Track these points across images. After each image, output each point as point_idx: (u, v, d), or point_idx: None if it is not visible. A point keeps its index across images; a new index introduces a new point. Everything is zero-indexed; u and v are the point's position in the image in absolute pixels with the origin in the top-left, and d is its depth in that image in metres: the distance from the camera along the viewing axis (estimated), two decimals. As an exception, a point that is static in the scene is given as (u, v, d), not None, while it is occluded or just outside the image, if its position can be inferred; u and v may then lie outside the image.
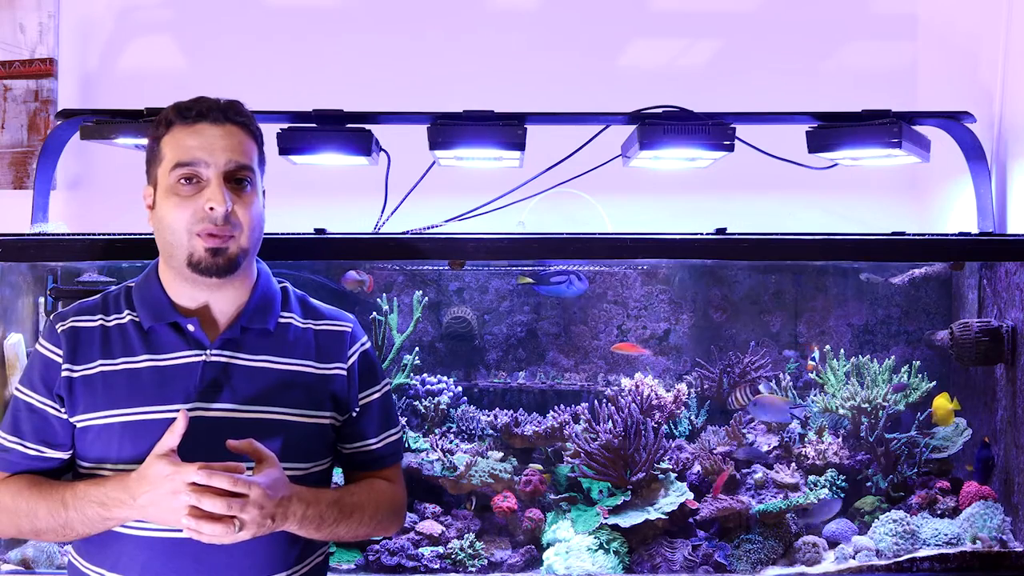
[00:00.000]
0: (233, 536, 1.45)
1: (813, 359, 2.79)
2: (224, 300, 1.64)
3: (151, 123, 1.65)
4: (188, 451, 1.50)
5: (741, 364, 2.85)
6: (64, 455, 1.62)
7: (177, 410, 1.54)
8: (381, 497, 1.73)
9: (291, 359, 1.66)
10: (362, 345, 1.75)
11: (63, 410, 1.60)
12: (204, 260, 1.57)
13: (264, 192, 1.69)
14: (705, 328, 2.94)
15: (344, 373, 1.70)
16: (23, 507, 1.57)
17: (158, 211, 1.60)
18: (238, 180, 1.59)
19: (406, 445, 2.62)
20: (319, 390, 1.67)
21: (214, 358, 1.61)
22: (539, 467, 2.63)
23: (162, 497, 1.45)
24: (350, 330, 1.74)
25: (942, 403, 2.66)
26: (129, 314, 1.65)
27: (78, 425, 1.60)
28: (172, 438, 1.48)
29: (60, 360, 1.61)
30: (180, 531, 1.47)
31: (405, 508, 1.82)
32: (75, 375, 1.60)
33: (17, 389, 1.65)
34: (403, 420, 2.73)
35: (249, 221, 1.59)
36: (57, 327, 1.64)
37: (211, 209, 1.55)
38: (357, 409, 1.72)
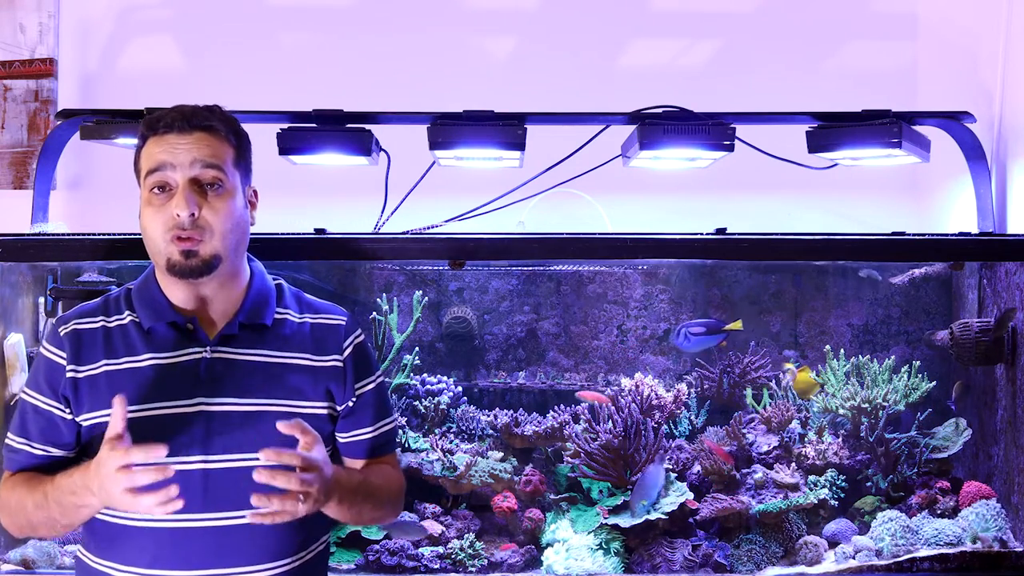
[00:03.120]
0: (298, 510, 1.50)
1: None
2: (220, 299, 1.70)
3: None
4: (193, 443, 1.59)
5: (741, 364, 2.85)
6: (70, 454, 1.67)
7: (179, 405, 1.61)
8: (392, 482, 1.81)
9: (288, 352, 1.71)
10: (356, 338, 1.80)
11: (68, 411, 1.65)
12: (179, 263, 1.62)
13: (256, 192, 1.75)
14: (705, 328, 2.94)
15: (340, 364, 1.75)
16: (15, 504, 1.64)
17: (141, 220, 1.66)
18: (207, 184, 1.63)
19: (406, 445, 2.63)
20: (316, 381, 1.72)
21: (214, 354, 1.66)
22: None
23: (105, 480, 1.47)
24: (344, 323, 1.80)
25: (804, 377, 2.76)
26: (130, 315, 1.70)
27: (84, 424, 1.64)
28: (116, 423, 1.49)
29: (64, 362, 1.66)
30: (188, 521, 1.56)
31: (404, 494, 1.88)
32: (80, 375, 1.65)
33: (23, 391, 1.70)
34: (403, 420, 2.73)
35: (220, 224, 1.63)
36: (60, 330, 1.68)
37: (178, 215, 1.61)
38: (353, 399, 1.77)
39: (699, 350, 2.85)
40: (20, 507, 1.62)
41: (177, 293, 1.68)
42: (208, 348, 1.66)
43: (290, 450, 1.51)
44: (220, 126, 1.66)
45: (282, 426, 1.54)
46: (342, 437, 1.79)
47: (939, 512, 2.49)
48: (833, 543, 2.49)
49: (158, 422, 1.60)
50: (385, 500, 1.78)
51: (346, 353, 1.76)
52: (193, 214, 1.60)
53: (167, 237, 1.61)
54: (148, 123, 1.66)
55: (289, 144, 2.35)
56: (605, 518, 2.45)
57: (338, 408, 1.76)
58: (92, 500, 1.54)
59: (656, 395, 2.73)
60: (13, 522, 1.67)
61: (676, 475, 2.57)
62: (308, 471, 1.51)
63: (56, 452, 1.66)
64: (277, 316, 1.74)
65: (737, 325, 2.79)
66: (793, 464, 2.62)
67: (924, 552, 2.36)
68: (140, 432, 1.58)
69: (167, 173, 1.62)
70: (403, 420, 2.73)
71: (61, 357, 1.66)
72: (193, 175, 1.62)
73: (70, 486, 1.56)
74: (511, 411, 2.75)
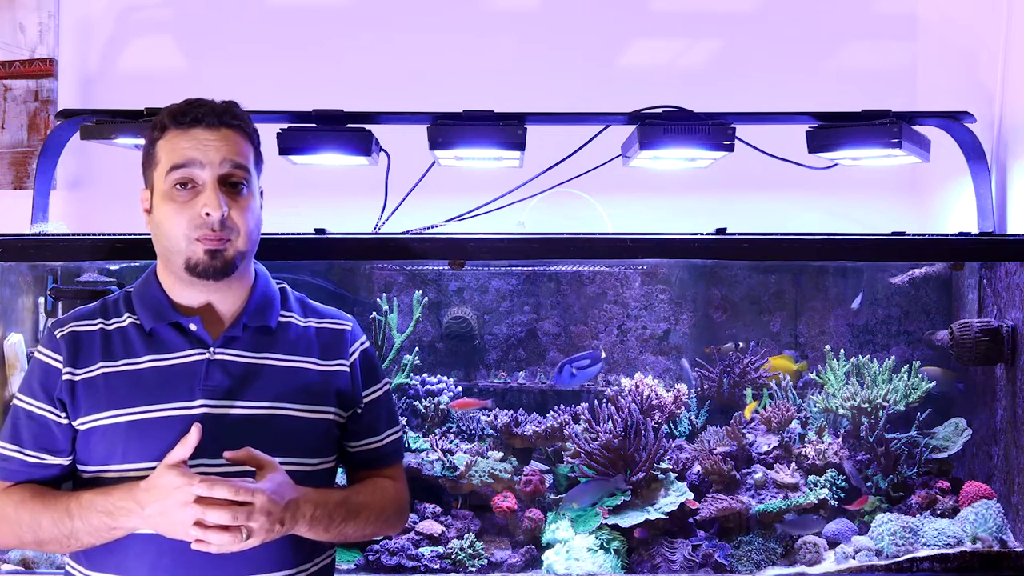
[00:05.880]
0: (242, 544, 1.46)
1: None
2: (224, 300, 1.65)
3: (148, 125, 1.66)
4: (194, 447, 1.53)
5: (741, 364, 2.85)
6: (64, 462, 1.61)
7: (181, 408, 1.56)
8: (386, 496, 1.74)
9: (294, 356, 1.67)
10: (362, 344, 1.77)
11: (64, 415, 1.60)
12: (202, 263, 1.58)
13: (262, 192, 1.70)
14: (705, 328, 2.94)
15: (347, 370, 1.71)
16: (26, 518, 1.56)
17: (155, 216, 1.61)
18: (234, 183, 1.60)
19: (406, 445, 2.63)
20: (322, 386, 1.68)
21: (218, 356, 1.62)
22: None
23: (171, 508, 1.45)
24: (350, 328, 1.76)
25: (780, 363, 2.77)
26: (129, 317, 1.65)
27: (81, 428, 1.59)
28: (184, 449, 1.48)
29: (60, 365, 1.61)
30: None
31: (409, 506, 1.83)
32: (77, 378, 1.60)
33: (16, 397, 1.64)
34: (403, 420, 2.73)
35: (245, 224, 1.60)
36: (56, 333, 1.64)
37: (207, 215, 1.56)
38: (360, 407, 1.73)
39: (580, 384, 2.81)
40: (31, 523, 1.55)
41: (183, 293, 1.64)
42: (211, 350, 1.62)
43: (225, 480, 1.45)
44: (244, 124, 1.63)
45: (229, 455, 1.50)
46: (348, 447, 1.74)
47: (939, 512, 2.49)
48: (833, 543, 2.49)
49: (158, 426, 1.55)
50: (376, 517, 1.69)
51: (352, 358, 1.72)
52: (224, 214, 1.56)
53: (192, 236, 1.56)
54: (171, 115, 1.60)
55: (289, 144, 2.35)
56: (605, 518, 2.45)
57: (344, 415, 1.71)
58: (136, 523, 1.49)
59: (656, 395, 2.73)
60: (12, 535, 1.59)
61: (676, 475, 2.57)
62: (248, 504, 1.45)
63: (49, 459, 1.60)
64: (282, 319, 1.70)
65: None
66: (793, 464, 2.62)
67: (924, 552, 2.36)
68: (139, 435, 1.55)
69: (194, 170, 1.57)
70: (403, 420, 2.73)
71: (57, 360, 1.61)
72: (222, 173, 1.58)
73: (105, 506, 1.50)
74: (511, 411, 2.75)
